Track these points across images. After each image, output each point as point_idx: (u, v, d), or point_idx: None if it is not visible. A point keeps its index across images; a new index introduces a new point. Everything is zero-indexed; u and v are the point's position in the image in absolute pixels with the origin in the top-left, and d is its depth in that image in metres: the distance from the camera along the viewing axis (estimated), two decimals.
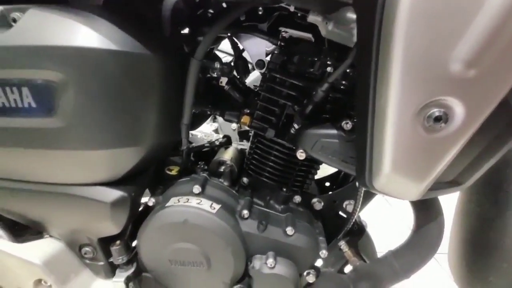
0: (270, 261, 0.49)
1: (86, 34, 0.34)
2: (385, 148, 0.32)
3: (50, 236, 0.49)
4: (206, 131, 1.71)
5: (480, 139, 0.32)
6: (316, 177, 0.70)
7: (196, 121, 0.78)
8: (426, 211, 0.47)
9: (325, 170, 0.68)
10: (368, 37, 0.30)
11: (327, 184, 0.72)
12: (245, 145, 0.72)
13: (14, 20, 0.36)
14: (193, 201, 0.48)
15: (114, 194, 0.44)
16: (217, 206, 0.49)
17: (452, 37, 0.25)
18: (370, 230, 0.63)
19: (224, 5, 0.46)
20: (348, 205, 0.59)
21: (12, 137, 0.38)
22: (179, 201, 0.48)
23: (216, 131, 1.78)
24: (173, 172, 0.60)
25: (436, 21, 0.26)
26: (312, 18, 0.48)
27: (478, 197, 0.53)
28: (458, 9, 0.25)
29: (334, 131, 0.45)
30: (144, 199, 0.55)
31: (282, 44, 0.52)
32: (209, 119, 1.93)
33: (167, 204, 0.48)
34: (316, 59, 0.50)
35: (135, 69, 0.37)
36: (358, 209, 0.52)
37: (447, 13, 0.25)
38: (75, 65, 0.34)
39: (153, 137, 0.44)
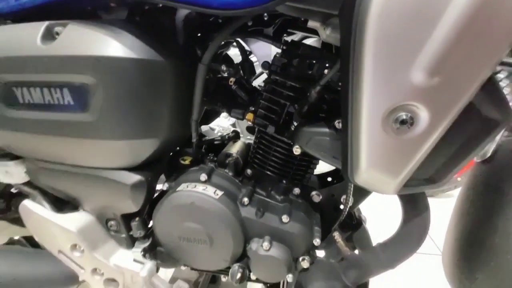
0: (266, 244, 0.54)
1: (113, 45, 0.42)
2: (361, 146, 0.36)
3: (84, 210, 0.59)
4: (224, 125, 1.80)
5: (452, 140, 0.34)
6: (319, 172, 0.74)
7: (210, 117, 0.85)
8: (412, 207, 0.49)
9: (328, 166, 0.72)
10: (347, 45, 0.34)
11: (329, 179, 0.75)
12: (252, 139, 0.78)
13: (57, 33, 0.45)
14: (200, 187, 0.55)
15: (134, 178, 0.52)
16: (220, 193, 0.55)
17: (414, 48, 0.28)
18: (373, 224, 0.66)
19: None
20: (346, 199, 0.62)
21: (56, 127, 0.47)
22: (187, 187, 0.56)
23: (234, 125, 1.87)
24: (186, 162, 0.67)
25: (399, 33, 0.29)
26: (312, 23, 0.51)
27: (474, 198, 0.54)
28: (419, 22, 0.27)
29: (327, 130, 0.49)
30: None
31: (284, 47, 0.56)
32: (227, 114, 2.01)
33: (177, 189, 0.56)
34: (314, 61, 0.54)
35: (152, 74, 0.44)
36: (350, 201, 0.55)
37: (409, 26, 0.28)
38: (104, 71, 0.42)
39: (167, 130, 0.51)
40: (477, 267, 0.49)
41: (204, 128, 0.93)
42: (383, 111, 0.32)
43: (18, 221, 0.83)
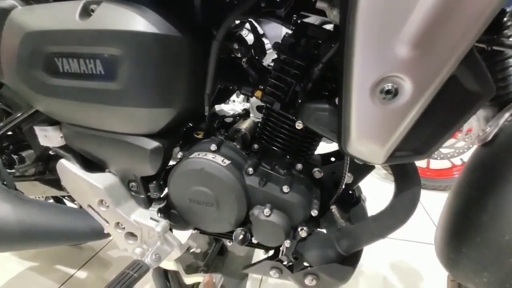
0: (267, 210, 0.60)
1: (137, 21, 0.47)
2: (352, 117, 0.39)
3: (110, 171, 0.67)
4: (237, 110, 1.86)
5: (436, 112, 0.37)
6: (323, 152, 0.78)
7: (223, 96, 0.90)
8: (404, 181, 0.52)
9: (332, 147, 0.75)
10: (344, 23, 0.37)
11: (332, 159, 0.79)
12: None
13: (92, 10, 0.51)
14: (209, 156, 0.61)
15: (152, 143, 0.59)
16: (227, 161, 0.61)
17: (398, 22, 0.31)
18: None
19: None
20: (347, 177, 0.66)
21: (89, 95, 0.54)
22: (199, 155, 0.62)
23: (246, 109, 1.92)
24: (199, 136, 0.74)
25: (386, 8, 0.31)
26: (320, 4, 0.54)
27: (469, 179, 0.56)
28: None
29: (327, 106, 0.52)
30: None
31: (293, 28, 0.60)
32: (242, 99, 2.06)
33: (190, 156, 0.62)
34: (320, 42, 0.57)
35: (171, 49, 0.50)
36: (346, 173, 0.59)
37: (395, 2, 0.31)
38: (129, 44, 0.48)
39: (183, 102, 0.57)
40: (464, 242, 0.51)
41: (217, 107, 0.99)
42: (371, 82, 0.35)
43: (52, 183, 0.95)
